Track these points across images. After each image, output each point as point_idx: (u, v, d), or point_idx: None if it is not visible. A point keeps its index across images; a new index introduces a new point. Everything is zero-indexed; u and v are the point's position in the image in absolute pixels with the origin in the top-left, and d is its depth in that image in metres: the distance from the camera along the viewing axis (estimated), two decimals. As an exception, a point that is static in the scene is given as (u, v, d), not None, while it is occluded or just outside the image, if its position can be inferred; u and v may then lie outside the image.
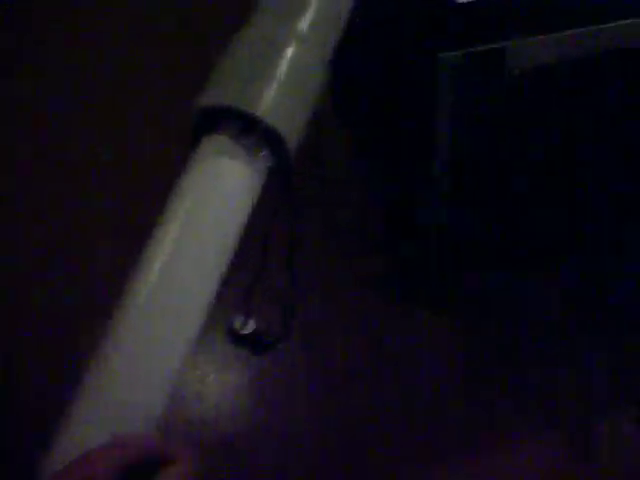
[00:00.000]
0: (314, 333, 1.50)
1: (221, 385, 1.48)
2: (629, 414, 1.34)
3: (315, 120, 0.66)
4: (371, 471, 1.34)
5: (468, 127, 0.98)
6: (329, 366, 1.46)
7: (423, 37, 0.94)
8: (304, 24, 0.66)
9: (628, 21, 0.92)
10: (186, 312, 0.55)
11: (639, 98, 1.04)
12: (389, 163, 1.40)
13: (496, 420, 1.39)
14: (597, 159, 1.16)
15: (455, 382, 1.46)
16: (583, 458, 1.29)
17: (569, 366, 1.44)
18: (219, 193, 0.56)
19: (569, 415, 1.39)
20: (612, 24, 0.92)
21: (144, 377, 0.53)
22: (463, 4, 0.93)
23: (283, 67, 0.61)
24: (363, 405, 1.43)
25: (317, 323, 1.50)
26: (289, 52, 0.63)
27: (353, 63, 1.07)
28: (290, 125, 0.59)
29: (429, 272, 1.44)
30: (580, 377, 1.42)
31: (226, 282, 0.55)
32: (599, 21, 0.92)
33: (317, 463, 1.33)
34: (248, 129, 0.58)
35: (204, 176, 0.57)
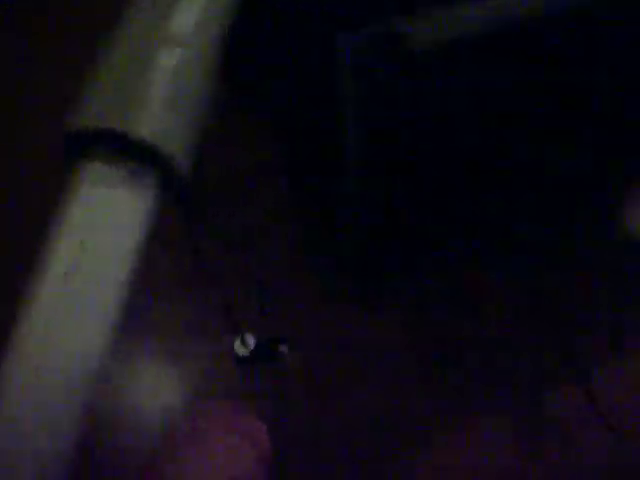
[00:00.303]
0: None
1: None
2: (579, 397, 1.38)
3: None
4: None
5: (373, 112, 0.94)
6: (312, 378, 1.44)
7: (322, 18, 0.89)
8: (183, 24, 0.60)
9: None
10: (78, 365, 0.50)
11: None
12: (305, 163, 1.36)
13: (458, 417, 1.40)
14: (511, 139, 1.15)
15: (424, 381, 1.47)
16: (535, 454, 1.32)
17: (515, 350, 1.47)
18: (101, 226, 0.51)
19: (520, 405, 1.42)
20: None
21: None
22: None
23: (160, 77, 0.55)
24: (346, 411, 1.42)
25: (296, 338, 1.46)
26: (166, 58, 0.56)
27: (255, 49, 1.01)
28: (174, 142, 0.53)
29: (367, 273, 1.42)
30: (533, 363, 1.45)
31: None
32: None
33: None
34: (127, 152, 0.52)
35: (82, 209, 0.51)
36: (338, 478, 1.36)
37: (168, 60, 0.56)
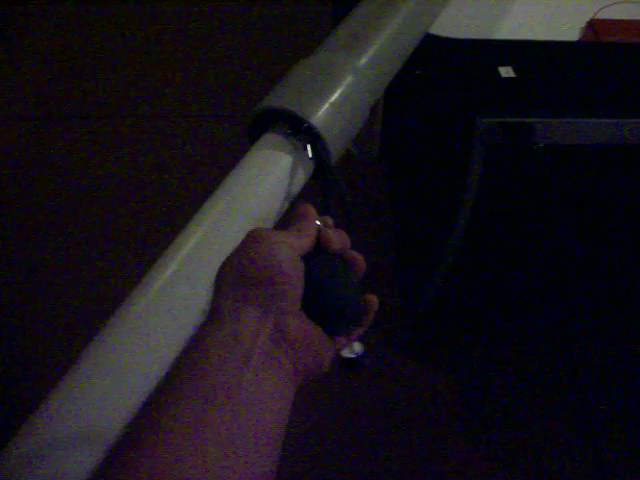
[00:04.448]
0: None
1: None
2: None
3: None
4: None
5: (495, 190, 1.08)
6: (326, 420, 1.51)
7: (466, 101, 1.06)
8: (362, 61, 0.79)
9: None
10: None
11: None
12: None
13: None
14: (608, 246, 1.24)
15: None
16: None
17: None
18: (266, 174, 0.67)
19: None
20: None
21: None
22: (507, 78, 1.06)
23: (337, 90, 0.73)
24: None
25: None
26: (344, 80, 0.74)
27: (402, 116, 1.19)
28: (332, 133, 0.70)
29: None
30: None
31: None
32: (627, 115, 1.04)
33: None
34: (298, 131, 0.69)
35: (257, 161, 0.68)
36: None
37: (345, 82, 0.74)
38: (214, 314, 0.43)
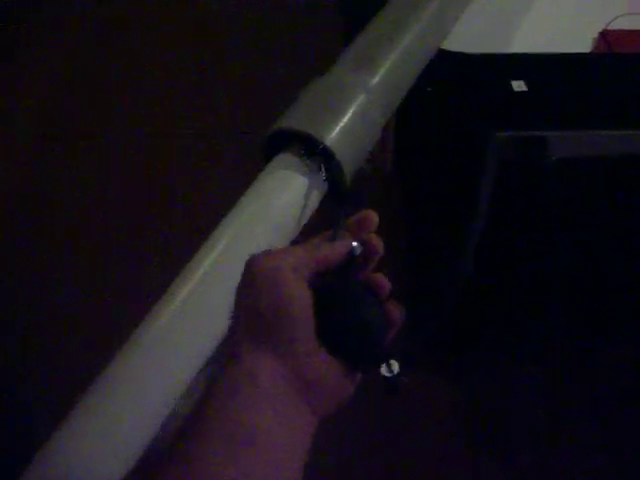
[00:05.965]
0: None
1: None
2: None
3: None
4: None
5: (507, 205, 1.09)
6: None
7: (479, 115, 1.07)
8: (374, 81, 0.80)
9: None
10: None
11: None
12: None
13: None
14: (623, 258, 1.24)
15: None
16: None
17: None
18: (282, 195, 0.68)
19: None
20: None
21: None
22: (520, 92, 1.07)
23: (349, 110, 0.74)
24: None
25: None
26: (357, 100, 0.75)
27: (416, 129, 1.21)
28: (346, 154, 0.71)
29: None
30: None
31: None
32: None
33: None
34: (313, 152, 0.70)
35: (272, 182, 0.69)
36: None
37: (357, 101, 0.75)
38: (234, 353, 0.41)
